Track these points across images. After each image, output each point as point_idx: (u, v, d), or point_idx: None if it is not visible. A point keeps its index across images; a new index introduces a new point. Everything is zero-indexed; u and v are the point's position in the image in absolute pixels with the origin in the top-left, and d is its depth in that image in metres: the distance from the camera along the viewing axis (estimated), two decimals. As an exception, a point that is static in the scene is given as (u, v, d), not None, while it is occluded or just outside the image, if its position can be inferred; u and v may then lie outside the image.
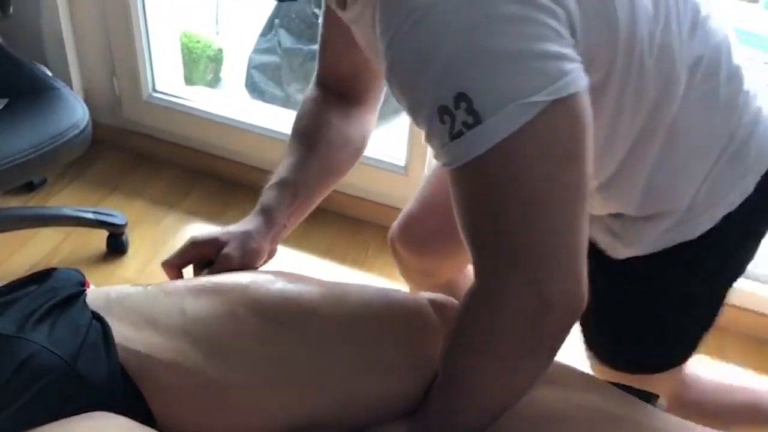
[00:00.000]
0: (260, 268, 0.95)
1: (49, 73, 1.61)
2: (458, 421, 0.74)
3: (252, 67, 2.47)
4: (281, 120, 1.94)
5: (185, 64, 2.27)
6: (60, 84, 1.55)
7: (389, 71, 0.66)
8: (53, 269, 0.82)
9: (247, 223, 0.94)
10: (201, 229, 1.87)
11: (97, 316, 0.77)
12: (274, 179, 0.97)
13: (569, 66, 0.61)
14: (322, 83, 1.03)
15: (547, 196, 0.63)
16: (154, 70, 1.99)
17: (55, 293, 0.77)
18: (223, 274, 0.88)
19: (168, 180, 2.06)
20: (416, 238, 1.20)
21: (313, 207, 1.01)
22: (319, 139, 1.00)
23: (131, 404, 0.72)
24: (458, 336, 0.72)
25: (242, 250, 0.91)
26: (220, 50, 2.51)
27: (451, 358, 0.74)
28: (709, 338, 0.99)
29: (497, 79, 0.60)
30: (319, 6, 2.47)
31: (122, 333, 0.76)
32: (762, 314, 1.69)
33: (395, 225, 1.23)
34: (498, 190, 0.64)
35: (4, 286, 0.80)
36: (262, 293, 0.83)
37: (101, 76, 2.00)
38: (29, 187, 1.95)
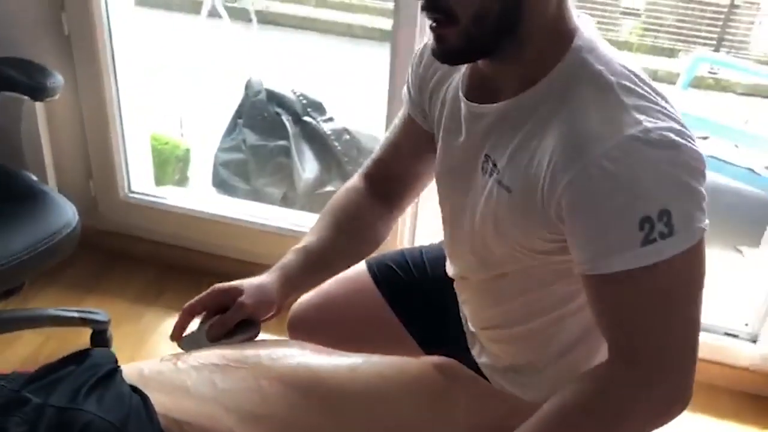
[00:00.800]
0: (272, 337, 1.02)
1: (35, 179, 1.68)
2: None
3: (219, 164, 2.58)
4: (252, 212, 2.06)
5: (154, 166, 2.35)
6: (47, 188, 1.62)
7: (585, 182, 0.77)
8: (89, 349, 0.88)
9: (266, 277, 1.02)
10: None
11: (134, 389, 0.83)
12: (301, 244, 1.07)
13: None
14: (370, 178, 1.14)
15: (698, 299, 0.80)
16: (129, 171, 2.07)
17: (95, 370, 0.83)
18: (247, 349, 0.94)
19: (145, 277, 2.11)
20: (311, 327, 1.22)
21: (323, 282, 1.11)
22: (352, 228, 1.10)
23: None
24: (587, 410, 0.83)
25: (256, 300, 0.98)
26: (188, 150, 2.62)
27: (569, 420, 0.83)
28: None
29: (690, 206, 0.77)
30: (280, 106, 2.63)
31: (159, 402, 0.82)
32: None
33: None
34: (674, 289, 0.79)
35: (42, 368, 0.85)
36: (284, 366, 0.90)
37: (78, 179, 2.06)
38: (7, 293, 1.96)
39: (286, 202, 2.50)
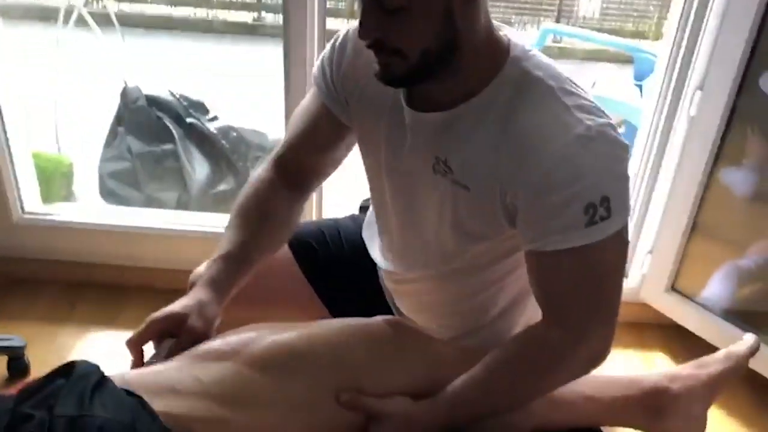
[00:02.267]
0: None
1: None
2: (478, 409, 1.00)
3: (105, 175, 2.54)
4: (148, 219, 2.09)
5: (39, 184, 2.29)
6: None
7: (541, 177, 0.90)
8: (73, 362, 0.92)
9: (198, 294, 1.06)
10: (98, 337, 1.92)
11: (128, 392, 0.89)
12: (219, 252, 1.11)
13: None
14: (281, 166, 1.18)
15: (621, 275, 0.99)
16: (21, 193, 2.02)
17: (87, 380, 0.88)
18: (216, 341, 1.02)
19: (51, 297, 2.06)
20: None
21: (249, 277, 1.14)
22: (265, 219, 1.15)
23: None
24: (526, 361, 0.99)
25: (203, 319, 1.03)
26: (71, 165, 2.55)
27: (503, 370, 1.00)
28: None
29: (623, 191, 0.93)
30: (161, 110, 2.62)
31: (154, 402, 0.89)
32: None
33: None
34: (605, 264, 0.94)
35: (28, 386, 0.89)
36: (258, 349, 0.99)
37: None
38: None
39: (181, 205, 2.52)
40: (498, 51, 0.95)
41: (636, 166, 1.96)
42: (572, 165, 0.89)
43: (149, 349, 1.05)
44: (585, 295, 0.95)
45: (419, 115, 1.01)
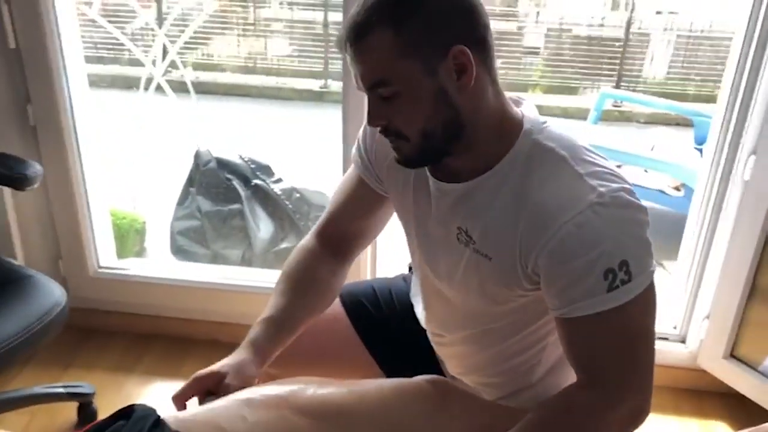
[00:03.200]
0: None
1: (16, 263, 1.76)
2: None
3: (176, 233, 2.69)
4: (214, 274, 2.21)
5: (114, 240, 2.44)
6: (31, 271, 1.70)
7: (557, 246, 0.93)
8: (132, 406, 0.99)
9: (240, 354, 1.12)
10: (163, 386, 2.01)
11: (179, 433, 0.95)
12: (264, 315, 1.17)
13: None
14: (322, 236, 1.25)
15: (653, 330, 0.99)
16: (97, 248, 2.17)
17: (144, 421, 0.94)
18: (264, 387, 1.08)
19: (120, 348, 2.18)
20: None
21: (291, 340, 1.18)
22: (308, 287, 1.22)
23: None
24: (556, 422, 0.99)
25: (239, 379, 1.08)
26: (144, 223, 2.72)
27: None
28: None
29: (643, 254, 0.94)
30: (230, 172, 2.78)
31: (203, 442, 0.95)
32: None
33: None
34: (634, 324, 0.96)
35: (95, 424, 0.97)
36: (301, 397, 1.04)
37: (46, 261, 2.14)
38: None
39: (245, 261, 2.63)
40: (511, 126, 1.00)
41: (691, 230, 1.96)
42: (587, 233, 0.92)
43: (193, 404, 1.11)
44: (616, 356, 0.97)
45: (441, 185, 1.05)
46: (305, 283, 1.22)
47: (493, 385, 1.20)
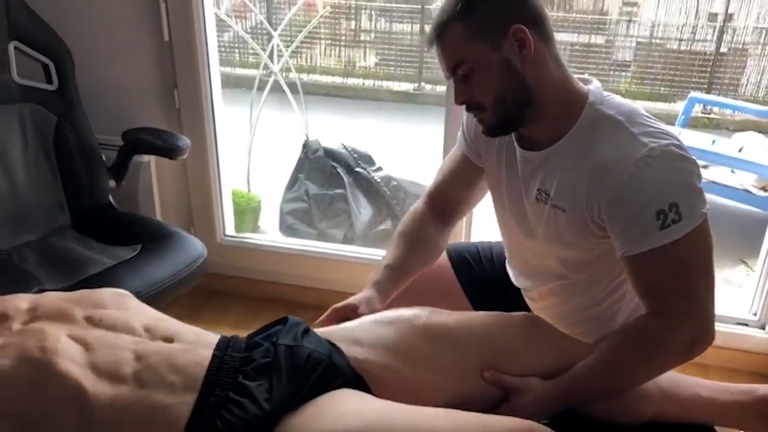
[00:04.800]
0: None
1: (163, 221, 2.05)
2: (593, 391, 1.19)
3: (286, 213, 2.97)
4: (320, 248, 2.48)
5: (234, 216, 2.74)
6: (176, 228, 1.99)
7: (613, 194, 1.09)
8: (287, 316, 1.23)
9: (366, 293, 1.36)
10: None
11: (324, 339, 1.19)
12: (384, 262, 1.41)
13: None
14: (432, 200, 1.48)
15: (709, 265, 1.12)
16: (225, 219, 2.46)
17: (297, 327, 1.18)
18: (389, 312, 1.30)
19: (240, 309, 2.46)
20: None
21: (405, 285, 1.42)
22: (420, 243, 1.45)
23: (360, 386, 1.13)
24: (630, 346, 1.16)
25: (369, 309, 1.32)
26: (260, 202, 3.02)
27: (610, 356, 1.17)
28: (693, 372, 1.37)
29: (692, 198, 1.09)
30: (335, 160, 3.04)
31: (342, 347, 1.18)
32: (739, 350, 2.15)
33: None
34: (688, 259, 1.10)
35: (256, 330, 1.21)
36: (423, 322, 1.25)
37: (180, 227, 2.42)
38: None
39: (347, 240, 2.88)
40: (577, 99, 1.18)
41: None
42: (638, 180, 1.08)
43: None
44: (673, 288, 1.12)
45: (525, 153, 1.26)
46: (417, 240, 1.45)
47: (580, 333, 1.36)
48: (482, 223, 2.25)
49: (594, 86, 1.21)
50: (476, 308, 1.54)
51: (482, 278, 1.55)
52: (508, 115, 1.18)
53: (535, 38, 1.13)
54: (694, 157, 1.12)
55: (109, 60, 2.23)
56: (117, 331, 1.05)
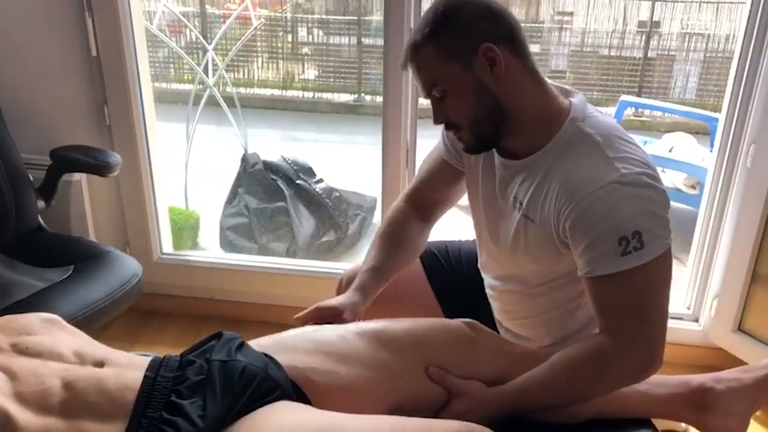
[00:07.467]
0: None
1: (95, 241, 2.00)
2: (540, 402, 1.20)
3: (226, 229, 2.93)
4: (261, 263, 2.45)
5: (171, 233, 2.69)
6: (109, 248, 1.94)
7: (579, 214, 1.10)
8: (221, 332, 1.20)
9: (352, 296, 1.35)
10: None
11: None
12: (367, 266, 1.41)
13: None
14: (412, 200, 1.48)
15: (665, 294, 1.14)
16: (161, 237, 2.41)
17: (232, 342, 1.16)
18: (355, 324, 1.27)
19: (180, 328, 2.41)
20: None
21: (386, 285, 1.42)
22: (401, 243, 1.46)
23: (300, 397, 1.11)
24: (581, 365, 1.16)
25: (352, 315, 1.31)
26: (198, 219, 2.96)
27: (561, 372, 1.17)
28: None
29: (656, 228, 1.09)
30: (275, 173, 3.01)
31: (278, 357, 1.16)
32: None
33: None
34: (645, 287, 1.12)
35: (190, 347, 1.19)
36: (361, 326, 1.24)
37: (115, 246, 2.36)
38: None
39: (289, 254, 2.86)
40: (558, 112, 1.19)
41: (701, 218, 2.14)
42: (605, 204, 1.08)
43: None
44: (628, 311, 1.13)
45: (505, 161, 1.27)
46: (399, 241, 1.46)
47: (538, 335, 1.39)
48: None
49: (577, 99, 1.22)
50: (441, 302, 1.55)
51: (448, 272, 1.57)
52: (485, 134, 1.19)
53: (506, 55, 1.13)
54: (663, 188, 1.14)
55: (34, 77, 2.17)
56: (44, 359, 1.02)
